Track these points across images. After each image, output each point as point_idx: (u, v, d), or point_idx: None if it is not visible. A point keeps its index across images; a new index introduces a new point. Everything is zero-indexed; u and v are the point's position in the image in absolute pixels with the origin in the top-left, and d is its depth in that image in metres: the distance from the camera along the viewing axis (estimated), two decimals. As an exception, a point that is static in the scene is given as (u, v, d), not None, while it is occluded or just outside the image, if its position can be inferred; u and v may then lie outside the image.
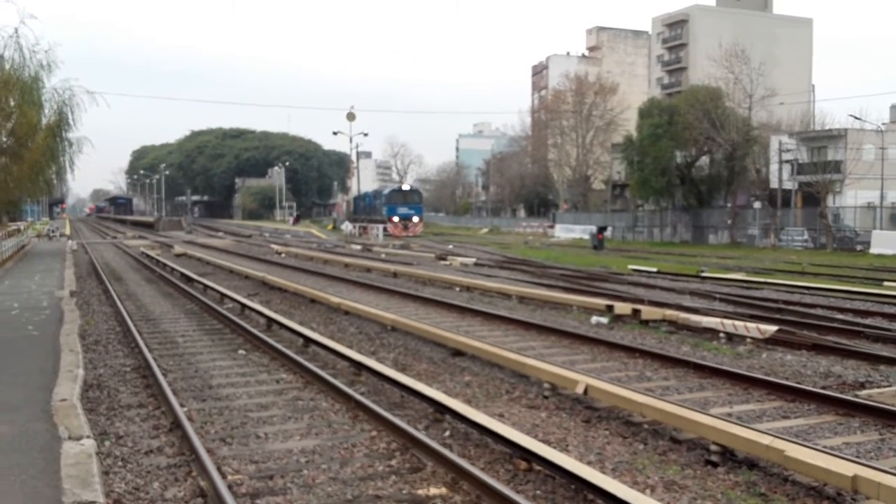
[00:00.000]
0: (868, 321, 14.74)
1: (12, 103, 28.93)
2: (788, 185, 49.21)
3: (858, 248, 41.05)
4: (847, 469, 5.71)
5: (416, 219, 64.00)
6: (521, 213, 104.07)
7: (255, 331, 13.35)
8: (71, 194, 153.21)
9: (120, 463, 6.88)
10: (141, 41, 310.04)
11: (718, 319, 13.46)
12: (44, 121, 31.02)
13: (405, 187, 72.08)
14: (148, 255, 34.31)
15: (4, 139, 30.49)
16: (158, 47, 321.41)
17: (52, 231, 58.60)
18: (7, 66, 28.22)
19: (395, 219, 62.19)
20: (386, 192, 68.48)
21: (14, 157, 30.44)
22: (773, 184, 49.73)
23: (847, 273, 26.82)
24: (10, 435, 6.99)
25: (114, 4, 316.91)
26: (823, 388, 9.53)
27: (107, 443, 7.42)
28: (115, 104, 55.31)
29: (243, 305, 16.72)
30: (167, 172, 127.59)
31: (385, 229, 60.55)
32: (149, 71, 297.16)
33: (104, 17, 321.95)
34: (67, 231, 65.72)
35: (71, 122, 31.67)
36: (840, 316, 15.62)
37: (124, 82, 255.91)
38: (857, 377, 10.27)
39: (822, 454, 6.09)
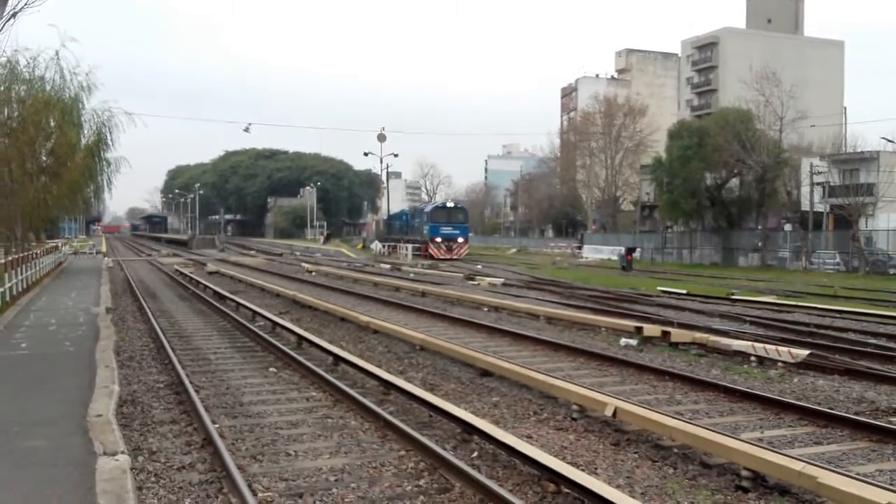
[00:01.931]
0: (903, 346, 14.51)
1: (52, 123, 29.62)
2: (820, 208, 48.62)
3: (892, 271, 40.52)
4: (881, 497, 5.63)
5: (461, 239, 57.60)
6: (550, 233, 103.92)
7: (285, 348, 13.48)
8: (108, 212, 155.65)
9: (153, 479, 6.98)
10: (181, 68, 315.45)
11: (749, 343, 13.36)
12: (83, 141, 31.75)
13: (450, 204, 64.11)
14: (182, 273, 34.72)
15: (44, 158, 31.20)
16: (198, 69, 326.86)
17: (89, 249, 59.77)
18: (48, 88, 28.93)
19: (438, 239, 56.39)
20: (428, 209, 62.07)
21: (53, 176, 31.14)
22: (805, 206, 49.17)
23: (880, 297, 26.43)
24: (47, 449, 7.13)
25: (157, 29, 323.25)
26: (856, 413, 9.40)
27: (140, 458, 7.53)
28: (151, 124, 56.20)
29: (274, 323, 16.90)
30: (201, 192, 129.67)
31: (417, 249, 56.92)
32: (187, 92, 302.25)
33: (146, 41, 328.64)
34: (104, 248, 66.83)
35: (109, 142, 32.55)
36: (873, 340, 15.40)
37: (162, 103, 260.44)
38: (891, 403, 10.12)
39: (855, 481, 6.02)
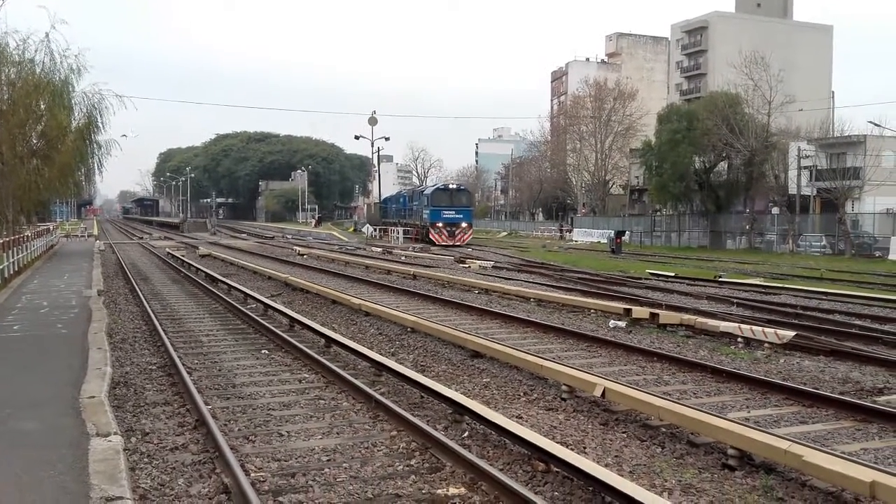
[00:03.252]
0: (886, 327, 14.69)
1: (42, 106, 29.38)
2: (807, 191, 48.94)
3: (877, 254, 40.85)
4: (865, 475, 5.72)
5: (464, 224, 52.50)
6: (540, 216, 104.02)
7: (278, 331, 13.53)
8: (99, 196, 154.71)
9: (146, 459, 7.02)
10: (171, 47, 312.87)
11: (736, 324, 13.48)
12: (73, 124, 31.50)
13: (452, 185, 59.81)
14: (173, 256, 34.67)
15: (35, 141, 30.98)
16: (188, 50, 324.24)
17: (81, 232, 59.58)
18: (38, 70, 28.66)
19: (440, 224, 51.56)
20: (428, 191, 56.30)
21: (44, 159, 30.94)
22: (792, 190, 49.45)
23: (865, 279, 26.65)
24: (40, 430, 7.15)
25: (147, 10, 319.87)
26: (841, 393, 9.53)
27: (133, 439, 7.57)
28: (143, 107, 55.80)
29: (266, 306, 16.91)
30: (193, 175, 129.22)
31: (408, 233, 54.61)
32: (178, 75, 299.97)
33: (138, 23, 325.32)
34: (95, 231, 66.49)
35: (100, 124, 32.28)
36: (858, 322, 15.54)
37: (154, 86, 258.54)
38: (876, 383, 10.25)
39: (840, 459, 6.11)
